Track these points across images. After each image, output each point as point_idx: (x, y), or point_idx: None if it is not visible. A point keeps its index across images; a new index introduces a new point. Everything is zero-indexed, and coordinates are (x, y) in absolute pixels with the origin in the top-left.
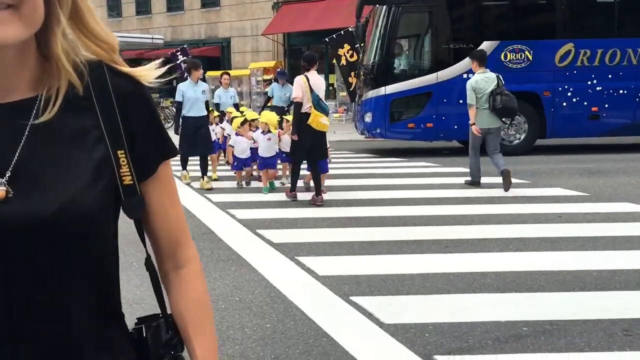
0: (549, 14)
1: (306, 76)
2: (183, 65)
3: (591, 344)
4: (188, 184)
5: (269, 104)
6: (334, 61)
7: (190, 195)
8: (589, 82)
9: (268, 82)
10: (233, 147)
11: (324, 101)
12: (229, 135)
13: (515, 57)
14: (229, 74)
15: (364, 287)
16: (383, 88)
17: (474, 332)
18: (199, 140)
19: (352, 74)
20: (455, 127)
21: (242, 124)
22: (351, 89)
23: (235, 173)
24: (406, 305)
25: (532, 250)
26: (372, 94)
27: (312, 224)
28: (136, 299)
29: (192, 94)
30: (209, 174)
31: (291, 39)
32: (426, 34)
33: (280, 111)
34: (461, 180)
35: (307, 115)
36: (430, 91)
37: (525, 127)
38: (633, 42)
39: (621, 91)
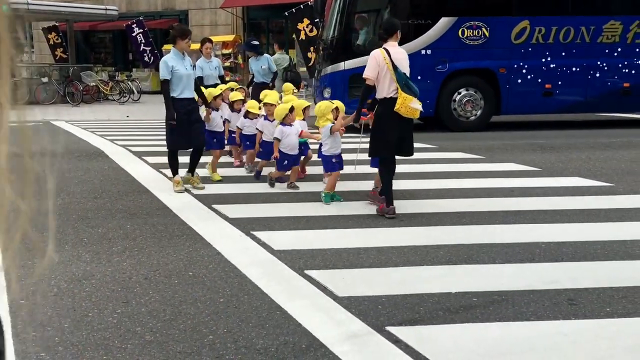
0: None
1: (386, 49)
2: (138, 39)
3: (538, 313)
4: (181, 192)
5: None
6: (294, 36)
7: (144, 170)
8: (543, 60)
9: (227, 57)
10: (279, 139)
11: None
12: (228, 120)
13: (473, 33)
14: (211, 41)
15: (318, 261)
16: (342, 63)
17: (426, 303)
18: (194, 130)
19: (312, 49)
20: None
21: (291, 111)
22: (310, 64)
23: (274, 175)
24: (360, 278)
25: (484, 224)
26: (331, 69)
27: (268, 198)
28: (86, 275)
29: (183, 70)
30: (204, 175)
31: (251, 13)
32: (385, 9)
33: (263, 87)
34: (421, 155)
35: (392, 100)
36: None
37: (481, 103)
38: (586, 20)
39: (574, 69)
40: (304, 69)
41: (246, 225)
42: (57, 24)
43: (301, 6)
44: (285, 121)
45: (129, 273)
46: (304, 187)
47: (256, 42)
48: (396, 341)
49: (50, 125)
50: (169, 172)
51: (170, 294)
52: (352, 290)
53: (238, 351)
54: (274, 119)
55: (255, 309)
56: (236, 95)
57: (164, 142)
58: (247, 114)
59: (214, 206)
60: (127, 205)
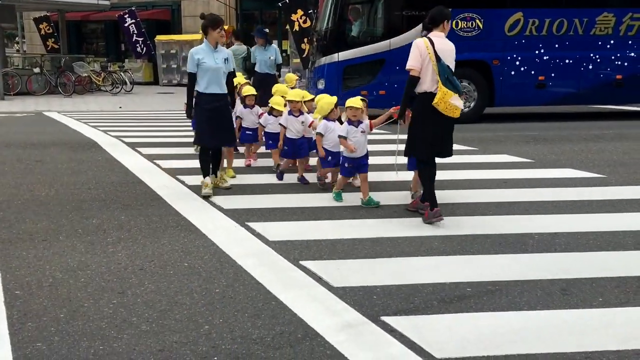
0: None
1: (430, 39)
2: (131, 29)
3: (531, 303)
4: (208, 197)
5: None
6: (287, 27)
7: (138, 161)
8: (537, 52)
9: (226, 46)
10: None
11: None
12: (240, 117)
13: (467, 25)
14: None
15: (313, 252)
16: (336, 55)
17: (420, 293)
18: (223, 126)
19: (305, 40)
20: None
21: (337, 105)
22: (304, 56)
23: (321, 173)
24: (355, 269)
25: (477, 215)
26: (325, 60)
27: (263, 189)
28: (81, 266)
29: (211, 63)
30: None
31: (244, 4)
32: (379, 0)
33: (267, 78)
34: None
35: (431, 95)
36: (383, 58)
37: (475, 95)
38: (580, 12)
39: (567, 61)
40: (298, 60)
41: (241, 216)
42: (48, 14)
43: None
44: (330, 116)
45: (124, 264)
46: (297, 178)
47: (267, 30)
48: (391, 331)
49: (43, 116)
50: (163, 162)
51: (165, 285)
52: (347, 280)
53: (234, 341)
54: (299, 114)
55: (251, 299)
56: (249, 90)
57: (158, 133)
58: (272, 111)
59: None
60: (121, 196)
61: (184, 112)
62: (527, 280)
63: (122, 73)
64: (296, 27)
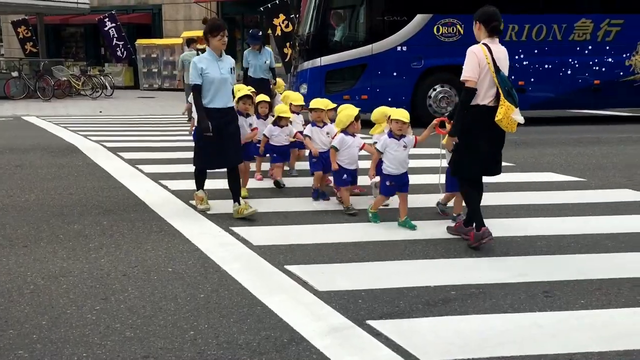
0: None
1: (486, 45)
2: (111, 33)
3: (514, 305)
4: (206, 211)
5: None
6: (269, 31)
7: (119, 165)
8: (516, 57)
9: (202, 51)
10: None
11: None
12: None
13: (448, 30)
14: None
15: (298, 256)
16: (318, 59)
17: (405, 297)
18: (228, 145)
19: (288, 44)
20: (390, 99)
21: (357, 118)
22: (286, 60)
23: (339, 190)
24: (340, 273)
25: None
26: (307, 65)
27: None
28: (63, 272)
29: (215, 73)
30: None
31: (225, 8)
32: (361, 5)
33: (261, 84)
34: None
35: (488, 108)
36: (365, 63)
37: (456, 100)
38: (558, 18)
39: (546, 66)
40: (280, 64)
41: (225, 221)
42: (26, 18)
43: (276, 1)
44: (349, 130)
45: (106, 269)
46: (284, 182)
47: (261, 34)
48: (377, 334)
49: (21, 121)
50: (145, 167)
51: (149, 290)
52: (332, 284)
53: (220, 346)
54: (323, 125)
55: (236, 304)
56: (262, 97)
57: (139, 138)
58: (279, 121)
59: (192, 202)
60: (103, 201)
61: (188, 130)
62: (510, 283)
63: (102, 77)
64: (278, 32)
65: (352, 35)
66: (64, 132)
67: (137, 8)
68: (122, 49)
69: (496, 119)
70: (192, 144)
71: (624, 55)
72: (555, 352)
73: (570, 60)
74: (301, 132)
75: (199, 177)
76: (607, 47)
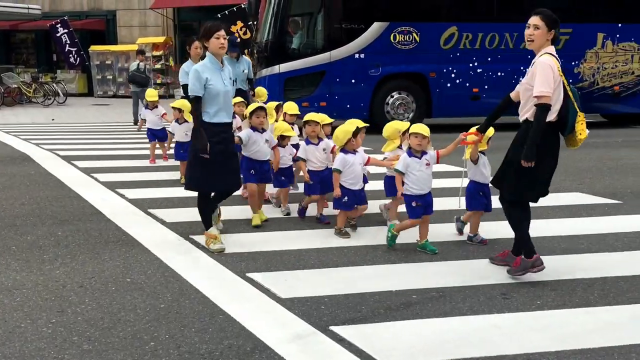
0: None
1: (555, 57)
2: (63, 39)
3: (474, 307)
4: (221, 251)
5: None
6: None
7: (74, 174)
8: (471, 64)
9: (158, 59)
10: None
11: None
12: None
13: (404, 38)
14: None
15: (260, 264)
16: (277, 66)
17: (367, 302)
18: (230, 166)
19: (246, 52)
20: (348, 106)
21: (356, 134)
22: None
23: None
24: (302, 280)
25: None
26: (266, 72)
27: None
28: (16, 285)
29: (219, 85)
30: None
31: (182, 14)
32: (319, 12)
33: (241, 95)
34: None
35: (553, 125)
36: (323, 70)
37: (413, 106)
38: (510, 26)
39: (499, 73)
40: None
41: (185, 229)
42: None
43: (234, 8)
44: (348, 147)
45: (62, 281)
46: (239, 191)
47: (239, 40)
48: (340, 340)
49: None
50: (100, 175)
51: (107, 302)
52: (294, 291)
53: (181, 357)
54: (318, 141)
55: (198, 313)
56: (287, 129)
57: (94, 146)
58: (281, 140)
59: (150, 210)
60: (57, 211)
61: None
62: (469, 286)
63: (54, 84)
64: (239, 39)
65: (311, 43)
66: (14, 141)
67: (90, 14)
68: (75, 56)
69: (579, 136)
70: (148, 151)
71: (573, 63)
72: (513, 352)
73: (522, 67)
74: (296, 146)
75: (205, 207)
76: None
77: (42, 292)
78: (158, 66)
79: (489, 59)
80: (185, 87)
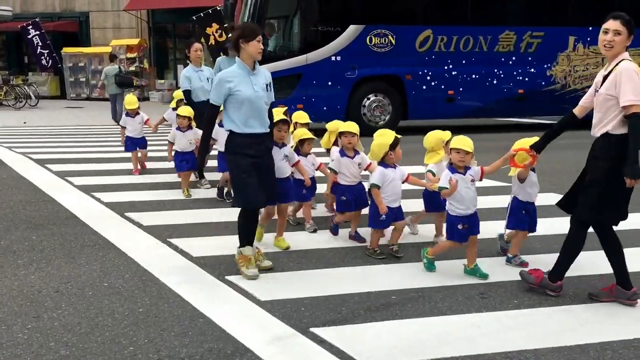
0: (411, 1)
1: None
2: (35, 41)
3: (452, 307)
4: (254, 278)
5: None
6: (202, 41)
7: (48, 178)
8: (446, 67)
9: (132, 61)
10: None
11: None
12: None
13: (380, 41)
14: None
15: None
16: None
17: (347, 303)
18: (269, 178)
19: (222, 54)
20: (325, 108)
21: (394, 147)
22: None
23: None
24: (282, 282)
25: None
26: None
27: (183, 205)
28: None
29: (248, 90)
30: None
31: (156, 16)
32: (295, 15)
33: None
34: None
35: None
36: (300, 73)
37: (389, 109)
38: (484, 30)
39: (474, 76)
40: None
41: (162, 233)
42: None
43: (209, 11)
44: (386, 161)
45: (37, 287)
46: (215, 193)
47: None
48: (321, 341)
49: None
50: (75, 179)
51: (84, 307)
52: (274, 294)
53: None
54: (354, 154)
55: (177, 317)
56: (306, 133)
57: (68, 149)
58: (300, 146)
59: (127, 214)
60: (31, 215)
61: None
62: (448, 286)
63: (25, 87)
64: (212, 41)
65: (287, 45)
66: None
67: (62, 15)
68: (47, 58)
69: None
70: (124, 154)
71: (546, 66)
72: (492, 351)
73: (496, 70)
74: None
75: (247, 223)
76: (530, 58)
77: (17, 298)
78: (132, 68)
79: (464, 62)
80: (186, 93)
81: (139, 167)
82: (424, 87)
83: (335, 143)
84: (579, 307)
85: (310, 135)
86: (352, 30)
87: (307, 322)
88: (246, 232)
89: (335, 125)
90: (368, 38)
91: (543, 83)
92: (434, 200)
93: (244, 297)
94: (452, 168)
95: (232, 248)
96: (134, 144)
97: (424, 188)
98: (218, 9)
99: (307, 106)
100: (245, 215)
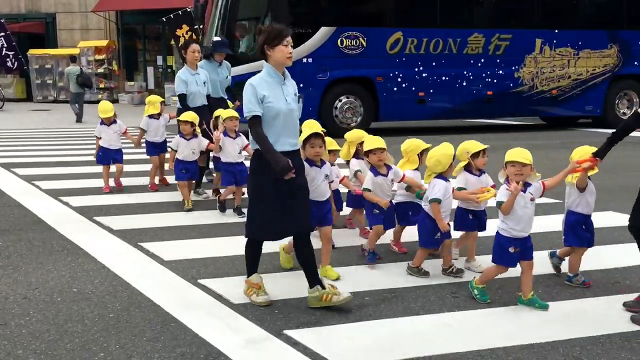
0: (380, 2)
1: None
2: (0, 43)
3: (425, 307)
4: (266, 304)
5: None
6: (172, 42)
7: (14, 182)
8: (416, 69)
9: (101, 63)
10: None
11: None
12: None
13: (351, 43)
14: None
15: (211, 270)
16: None
17: None
18: (299, 202)
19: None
20: None
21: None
22: None
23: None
24: None
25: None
26: None
27: (153, 208)
28: None
29: (280, 103)
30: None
31: (125, 18)
32: (266, 17)
33: (220, 105)
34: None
35: None
36: None
37: (361, 110)
38: (453, 32)
39: (444, 78)
40: None
41: (133, 237)
42: None
43: (179, 12)
44: (447, 174)
45: (4, 293)
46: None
47: (225, 41)
48: (295, 344)
49: None
50: (42, 183)
51: (53, 313)
52: (247, 296)
53: None
54: (387, 170)
55: (149, 322)
56: (332, 144)
57: (35, 153)
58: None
59: (96, 218)
60: None
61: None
62: (420, 286)
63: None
64: (182, 43)
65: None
66: None
67: (28, 17)
68: (13, 60)
69: None
70: (92, 158)
71: (514, 68)
72: (464, 349)
73: (465, 72)
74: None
75: (252, 254)
76: (498, 60)
77: None
78: (101, 70)
79: (434, 64)
80: (181, 97)
81: (109, 184)
82: (395, 89)
83: (356, 155)
84: (549, 305)
85: (336, 146)
86: (323, 33)
87: (281, 324)
88: (253, 262)
89: (356, 135)
90: (339, 40)
91: (511, 85)
92: (467, 219)
93: (217, 301)
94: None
95: (204, 251)
96: (108, 156)
97: (458, 207)
98: (188, 10)
99: None
100: (252, 246)
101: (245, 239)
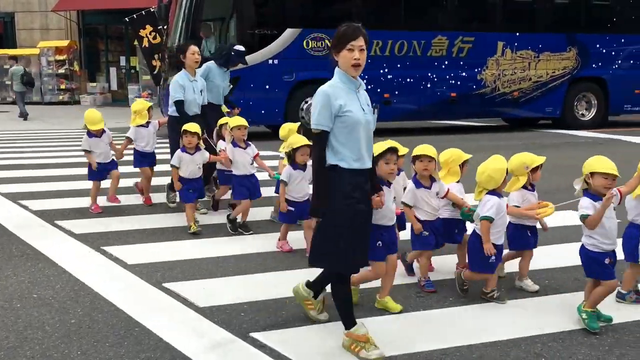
0: (346, 4)
1: None
2: None
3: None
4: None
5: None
6: (135, 43)
7: None
8: (382, 71)
9: (62, 64)
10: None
11: None
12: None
13: (316, 44)
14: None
15: (176, 273)
16: None
17: (287, 307)
18: (368, 228)
19: (156, 56)
20: (263, 111)
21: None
22: (155, 72)
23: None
24: (221, 287)
25: None
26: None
27: (116, 212)
28: None
29: (357, 113)
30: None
31: (86, 18)
32: (231, 18)
33: (218, 112)
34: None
35: None
36: (237, 76)
37: None
38: (417, 34)
39: (409, 80)
40: (148, 77)
41: (95, 241)
42: None
43: (143, 12)
44: (499, 189)
45: None
46: (155, 198)
47: (243, 50)
48: (261, 346)
49: None
50: (1, 187)
51: (12, 319)
52: (213, 299)
53: None
54: (431, 183)
55: (112, 327)
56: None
57: None
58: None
59: (57, 222)
60: None
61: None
62: None
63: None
64: (145, 43)
65: (223, 46)
66: None
67: None
68: None
69: None
70: (55, 159)
71: (476, 70)
72: (429, 348)
73: (429, 74)
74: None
75: (346, 295)
76: (461, 63)
77: None
78: (62, 71)
79: (399, 66)
80: (179, 103)
81: (97, 202)
82: None
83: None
84: (510, 304)
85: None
86: (288, 34)
87: (247, 327)
88: (350, 306)
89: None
90: (305, 42)
91: (474, 86)
92: (525, 236)
93: (181, 304)
94: (593, 195)
95: (169, 254)
96: (103, 170)
97: (510, 223)
98: (152, 10)
99: (245, 110)
100: (344, 283)
101: (318, 278)
